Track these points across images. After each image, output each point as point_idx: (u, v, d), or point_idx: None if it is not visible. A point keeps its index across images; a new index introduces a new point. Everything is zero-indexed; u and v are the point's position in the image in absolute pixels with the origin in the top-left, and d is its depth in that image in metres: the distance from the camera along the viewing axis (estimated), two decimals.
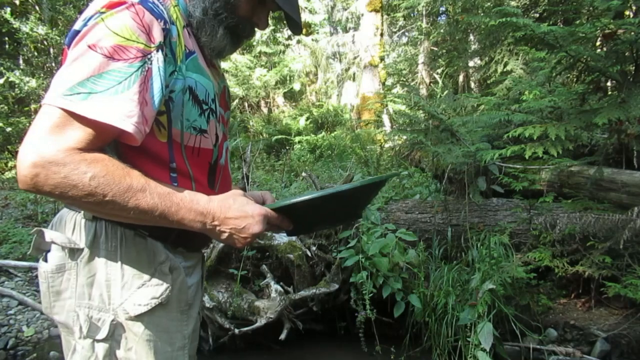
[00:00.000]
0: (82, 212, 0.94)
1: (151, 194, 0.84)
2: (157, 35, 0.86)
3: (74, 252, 0.93)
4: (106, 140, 0.85)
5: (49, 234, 0.95)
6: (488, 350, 2.38)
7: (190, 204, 0.87)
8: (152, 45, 0.85)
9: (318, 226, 1.26)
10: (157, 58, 0.86)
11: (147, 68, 0.85)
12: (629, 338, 2.56)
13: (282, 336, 2.81)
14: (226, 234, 0.91)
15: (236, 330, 2.80)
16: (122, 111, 0.81)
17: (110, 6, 0.84)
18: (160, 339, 0.97)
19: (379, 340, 2.85)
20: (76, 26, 0.86)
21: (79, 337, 0.92)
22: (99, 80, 0.80)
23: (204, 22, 0.98)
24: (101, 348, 0.92)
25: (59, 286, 0.94)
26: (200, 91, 0.97)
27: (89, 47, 0.81)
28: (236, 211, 0.90)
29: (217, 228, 0.90)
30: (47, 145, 0.77)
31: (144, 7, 0.85)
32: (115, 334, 0.93)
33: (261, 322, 2.78)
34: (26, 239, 4.11)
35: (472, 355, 2.46)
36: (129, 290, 0.93)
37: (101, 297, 0.93)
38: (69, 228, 0.95)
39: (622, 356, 2.55)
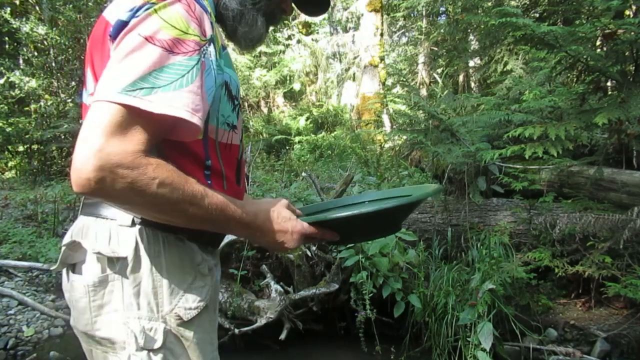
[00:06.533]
0: (118, 219, 0.89)
1: (209, 203, 0.83)
2: (208, 29, 0.85)
3: (114, 262, 0.88)
4: (160, 139, 0.82)
5: (91, 245, 0.88)
6: (488, 350, 2.38)
7: (241, 217, 0.89)
8: (205, 38, 0.83)
9: (359, 239, 1.23)
10: (210, 52, 0.85)
11: (202, 62, 0.82)
12: (629, 338, 2.56)
13: (282, 336, 2.81)
14: (264, 243, 0.95)
15: (236, 330, 2.80)
16: (189, 104, 0.78)
17: None
18: (205, 340, 0.95)
19: (379, 340, 2.85)
20: (121, 16, 0.81)
21: (135, 349, 0.86)
22: (161, 74, 0.76)
23: (243, 13, 0.97)
24: (158, 358, 0.88)
25: (101, 300, 0.89)
26: (233, 86, 0.96)
27: (146, 39, 0.76)
28: (278, 225, 0.93)
29: (259, 238, 0.94)
30: (112, 147, 0.72)
31: (197, 2, 0.83)
32: (167, 342, 0.89)
33: (261, 322, 2.78)
34: (26, 239, 4.10)
35: (472, 355, 2.46)
36: (177, 295, 0.90)
37: (149, 305, 0.88)
38: (104, 237, 0.89)
39: (622, 356, 2.55)
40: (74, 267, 0.93)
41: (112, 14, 0.86)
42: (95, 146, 0.71)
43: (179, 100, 0.77)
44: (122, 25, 0.80)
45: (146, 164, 0.74)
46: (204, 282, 0.94)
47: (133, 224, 0.88)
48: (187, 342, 0.92)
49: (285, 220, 0.93)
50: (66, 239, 0.94)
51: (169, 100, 0.76)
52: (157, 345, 0.88)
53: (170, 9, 0.79)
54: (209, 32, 0.85)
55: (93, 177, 0.71)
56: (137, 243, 0.88)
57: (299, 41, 12.85)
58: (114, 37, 0.81)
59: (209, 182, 0.94)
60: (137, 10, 0.80)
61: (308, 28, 13.20)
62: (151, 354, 0.87)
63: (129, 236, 0.88)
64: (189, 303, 0.91)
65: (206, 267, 0.95)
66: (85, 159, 0.71)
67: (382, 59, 10.11)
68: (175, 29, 0.78)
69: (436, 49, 11.37)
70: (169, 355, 0.89)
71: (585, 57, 2.59)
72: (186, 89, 0.78)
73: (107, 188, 0.73)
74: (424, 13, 11.11)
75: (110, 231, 0.89)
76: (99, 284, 0.88)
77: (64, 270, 0.96)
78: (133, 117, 0.74)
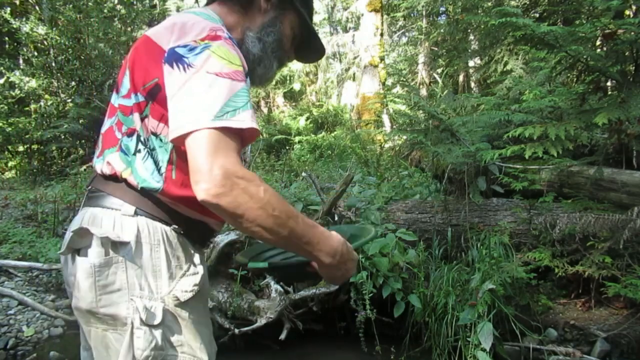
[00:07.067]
0: (122, 209, 1.02)
1: (303, 221, 0.96)
2: (245, 65, 1.01)
3: (117, 246, 0.99)
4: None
5: (99, 231, 0.99)
6: (488, 350, 2.38)
7: (327, 240, 0.99)
8: (246, 71, 1.01)
9: None
10: (248, 82, 1.01)
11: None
12: (629, 338, 2.56)
13: (282, 336, 2.81)
14: (340, 273, 1.03)
15: (236, 330, 2.80)
16: (254, 116, 0.96)
17: (212, 39, 0.97)
18: (201, 323, 1.07)
19: (379, 340, 2.85)
20: (176, 48, 0.96)
21: (138, 324, 0.97)
22: (237, 98, 0.93)
23: (263, 58, 1.15)
24: (158, 333, 0.99)
25: (105, 280, 0.99)
26: None
27: (216, 75, 0.93)
28: (352, 254, 1.05)
29: (338, 266, 1.02)
30: (223, 162, 0.88)
31: (232, 41, 1.01)
32: (165, 320, 1.00)
33: (261, 322, 2.78)
34: (26, 239, 4.10)
35: (472, 355, 2.46)
36: (174, 279, 1.03)
37: (149, 287, 1.00)
38: (109, 224, 1.01)
39: (622, 356, 2.55)
40: (78, 252, 1.02)
41: (163, 41, 1.00)
42: (212, 164, 0.87)
43: (252, 115, 0.95)
44: (177, 57, 0.95)
45: (252, 175, 0.90)
46: (197, 270, 1.06)
47: (135, 214, 1.02)
48: (184, 322, 1.03)
49: (352, 250, 1.05)
50: (73, 226, 1.05)
51: (250, 116, 0.93)
52: (157, 321, 0.98)
53: (222, 48, 0.96)
54: (246, 68, 1.01)
55: (220, 184, 0.86)
56: (138, 230, 1.00)
57: None
58: (169, 63, 0.96)
59: None
60: (193, 50, 0.95)
61: None
62: (152, 329, 0.98)
63: (131, 224, 1.01)
64: (185, 286, 1.03)
65: (198, 258, 1.08)
66: (210, 176, 0.87)
67: (382, 59, 10.11)
68: (232, 64, 0.96)
69: (436, 49, 11.36)
70: (167, 331, 1.01)
71: (585, 57, 2.60)
72: (251, 107, 0.96)
73: (227, 194, 0.87)
74: (424, 13, 11.11)
75: (114, 219, 1.01)
76: (104, 264, 0.99)
77: (69, 256, 1.05)
78: (228, 136, 0.91)
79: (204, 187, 0.87)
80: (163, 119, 1.00)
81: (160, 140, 1.02)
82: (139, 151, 1.03)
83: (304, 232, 0.95)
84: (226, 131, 0.90)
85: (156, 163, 1.02)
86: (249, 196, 0.88)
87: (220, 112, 0.90)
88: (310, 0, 1.25)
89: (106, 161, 1.05)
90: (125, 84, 1.05)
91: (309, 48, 1.28)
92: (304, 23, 1.22)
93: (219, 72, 0.93)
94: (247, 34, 1.14)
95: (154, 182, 1.01)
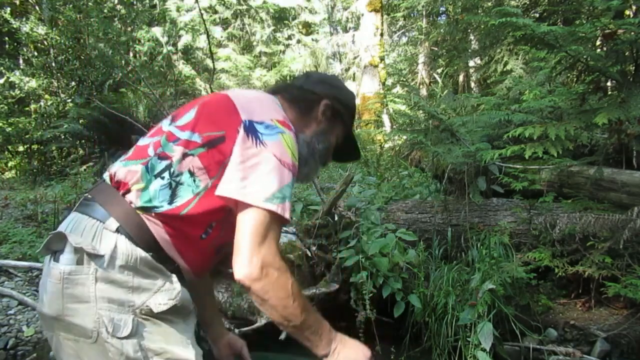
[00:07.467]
0: (106, 222, 1.05)
1: (314, 315, 1.11)
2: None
3: (91, 257, 1.01)
4: None
5: (75, 239, 1.01)
6: (488, 350, 2.38)
7: (327, 334, 1.14)
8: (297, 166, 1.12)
9: None
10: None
11: None
12: (629, 338, 2.56)
13: (282, 336, 2.80)
14: (341, 357, 1.15)
15: (236, 330, 2.80)
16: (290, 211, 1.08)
17: (284, 125, 1.10)
18: (181, 330, 1.10)
19: (379, 340, 2.84)
20: (253, 121, 1.07)
21: (106, 337, 0.99)
22: (287, 188, 1.05)
23: (309, 160, 1.27)
24: (129, 344, 1.01)
25: (73, 289, 1.00)
26: None
27: (281, 162, 1.04)
28: (348, 352, 1.19)
29: (334, 357, 1.14)
30: (265, 250, 1.00)
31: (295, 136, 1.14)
32: (139, 330, 1.03)
33: (261, 322, 2.78)
34: (26, 239, 4.10)
35: (472, 355, 2.46)
36: (147, 293, 1.05)
37: (119, 300, 1.02)
38: (89, 234, 1.04)
39: (622, 356, 2.55)
40: (55, 255, 1.05)
41: (240, 106, 1.11)
42: (255, 252, 0.99)
43: (290, 207, 1.06)
44: (254, 130, 1.06)
45: (285, 268, 1.03)
46: (174, 286, 1.09)
47: (117, 231, 1.04)
48: (162, 330, 1.06)
49: (358, 344, 1.25)
50: (58, 229, 1.08)
51: (289, 208, 1.05)
52: (124, 334, 1.00)
53: (290, 139, 1.09)
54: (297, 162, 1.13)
55: (257, 272, 0.99)
56: (115, 246, 1.03)
57: (299, 41, 12.84)
58: (245, 132, 1.06)
59: (204, 235, 1.15)
60: (269, 128, 1.07)
61: (308, 28, 13.19)
62: (123, 340, 1.00)
63: (110, 239, 1.03)
64: (160, 300, 1.06)
65: (175, 278, 1.11)
66: (250, 263, 0.99)
67: (382, 59, 10.11)
68: (293, 156, 1.09)
69: (436, 49, 11.36)
70: (143, 341, 1.03)
71: (585, 57, 2.60)
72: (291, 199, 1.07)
73: (261, 280, 1.00)
74: (424, 13, 11.11)
75: (96, 230, 1.04)
76: (74, 273, 1.00)
77: (47, 257, 1.08)
78: (273, 220, 1.03)
79: (242, 271, 1.00)
80: (210, 167, 1.07)
81: (194, 181, 1.07)
82: (162, 177, 1.07)
83: (312, 324, 1.08)
84: (274, 216, 1.02)
85: (173, 195, 1.07)
86: (277, 286, 1.01)
87: (272, 196, 1.01)
88: (354, 115, 1.39)
89: (128, 169, 1.10)
90: (187, 118, 1.13)
91: (347, 153, 1.42)
92: (348, 135, 1.36)
93: (283, 160, 1.05)
94: (299, 136, 1.22)
95: (159, 204, 1.06)
